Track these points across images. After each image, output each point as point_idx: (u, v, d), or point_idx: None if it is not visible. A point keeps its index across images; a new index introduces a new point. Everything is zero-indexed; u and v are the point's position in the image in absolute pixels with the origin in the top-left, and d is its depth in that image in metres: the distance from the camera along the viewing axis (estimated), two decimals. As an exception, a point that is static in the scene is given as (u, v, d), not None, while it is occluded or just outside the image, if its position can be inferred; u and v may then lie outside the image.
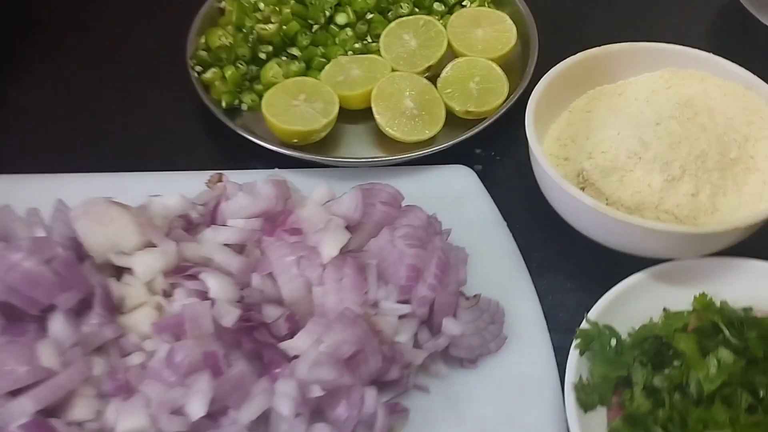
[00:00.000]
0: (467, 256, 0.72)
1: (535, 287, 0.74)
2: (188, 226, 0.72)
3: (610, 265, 0.72)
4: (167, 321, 0.65)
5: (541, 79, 0.79)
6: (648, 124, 0.75)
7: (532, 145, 0.73)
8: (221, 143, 0.88)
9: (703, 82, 0.81)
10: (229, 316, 0.64)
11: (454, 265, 0.69)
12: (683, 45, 0.82)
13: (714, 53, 0.81)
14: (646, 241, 0.68)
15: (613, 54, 0.82)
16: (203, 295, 0.66)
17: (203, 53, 0.89)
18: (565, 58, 0.81)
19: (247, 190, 0.73)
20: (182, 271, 0.67)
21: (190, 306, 0.63)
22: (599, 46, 0.82)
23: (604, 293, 0.68)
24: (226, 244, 0.70)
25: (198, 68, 0.89)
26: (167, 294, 0.67)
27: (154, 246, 0.68)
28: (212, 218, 0.73)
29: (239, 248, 0.70)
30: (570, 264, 0.76)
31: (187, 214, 0.72)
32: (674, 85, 0.81)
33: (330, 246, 0.67)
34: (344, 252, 0.68)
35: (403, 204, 0.73)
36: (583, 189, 0.73)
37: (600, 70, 0.83)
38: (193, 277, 0.67)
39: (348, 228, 0.70)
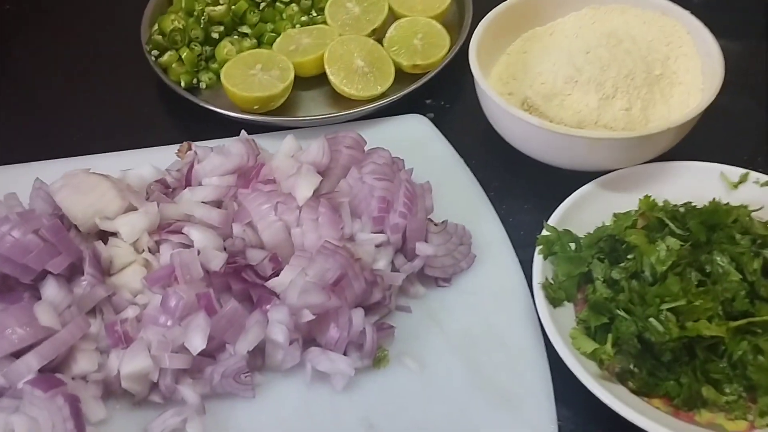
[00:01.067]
0: (431, 187, 0.77)
1: (496, 212, 0.80)
2: (165, 190, 0.76)
3: (561, 183, 0.78)
4: (158, 273, 0.68)
5: (478, 25, 0.85)
6: (579, 53, 0.82)
7: (478, 79, 0.79)
8: (186, 120, 0.92)
9: (624, 14, 0.88)
10: (216, 260, 0.68)
11: (420, 195, 0.74)
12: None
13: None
14: (591, 152, 0.75)
15: (541, -2, 0.89)
16: (188, 247, 0.69)
17: (158, 38, 0.93)
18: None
19: (218, 151, 0.77)
20: (165, 228, 0.71)
21: (178, 254, 0.67)
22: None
23: (556, 204, 0.74)
24: (204, 202, 0.74)
25: (155, 52, 0.93)
26: (153, 251, 0.71)
27: (136, 209, 0.72)
28: (187, 181, 0.77)
29: (217, 204, 0.75)
30: (524, 188, 0.83)
31: (163, 178, 0.76)
32: (598, 20, 0.89)
33: (303, 189, 0.71)
34: (317, 195, 0.73)
35: (366, 149, 0.79)
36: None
37: (530, 14, 0.90)
38: (177, 231, 0.70)
39: (318, 173, 0.75)
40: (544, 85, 0.82)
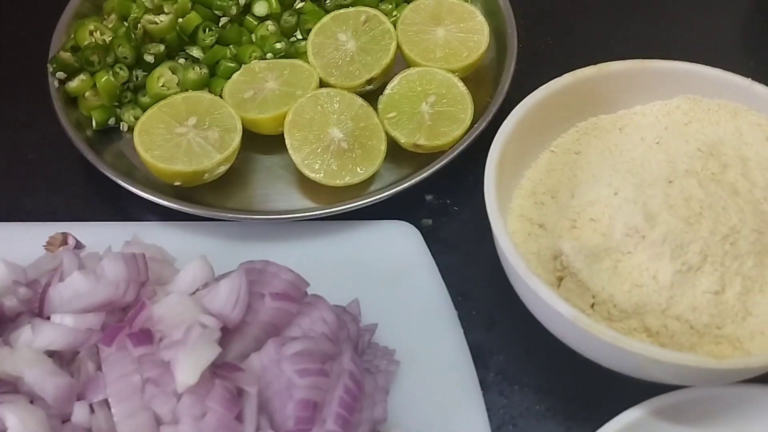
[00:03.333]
0: (393, 373, 0.51)
1: (487, 409, 0.53)
2: (2, 317, 0.51)
3: (598, 383, 0.51)
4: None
5: (511, 114, 0.57)
6: (657, 182, 0.54)
7: (494, 222, 0.51)
8: (90, 178, 0.66)
9: (736, 117, 0.59)
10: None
11: (370, 394, 0.48)
12: (709, 65, 0.60)
13: (752, 78, 0.59)
14: (647, 368, 0.48)
15: (614, 75, 0.60)
16: (1, 432, 0.45)
17: (66, 55, 0.66)
18: (549, 72, 0.59)
19: (90, 267, 0.52)
20: (-23, 392, 0.47)
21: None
22: (595, 61, 0.60)
23: (588, 428, 0.48)
24: (48, 351, 0.49)
25: (60, 74, 0.67)
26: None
27: (-61, 356, 0.47)
28: (41, 305, 0.52)
29: (70, 356, 0.50)
30: (542, 376, 0.55)
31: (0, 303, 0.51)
32: (695, 119, 0.60)
33: (187, 369, 0.46)
34: (213, 367, 0.47)
35: (309, 290, 0.53)
36: (561, 280, 0.52)
37: (595, 95, 0.61)
38: (-10, 404, 0.46)
39: (224, 329, 0.50)
40: (593, 224, 0.53)
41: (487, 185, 0.53)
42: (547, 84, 0.58)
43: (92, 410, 0.48)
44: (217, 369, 0.48)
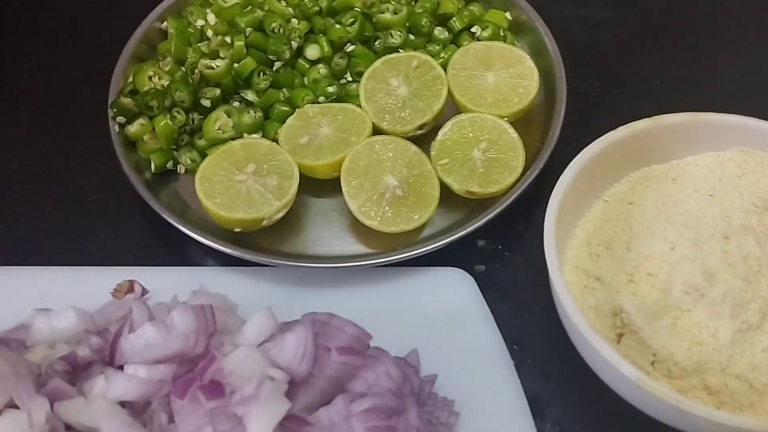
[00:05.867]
0: (454, 425, 0.52)
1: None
2: (73, 369, 0.53)
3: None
4: None
5: (568, 168, 0.58)
6: (714, 238, 0.55)
7: (554, 279, 0.52)
8: (149, 221, 0.67)
9: (790, 170, 0.60)
10: None
11: (436, 447, 0.50)
12: (754, 107, 0.61)
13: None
14: (709, 429, 0.48)
15: (668, 127, 0.61)
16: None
17: (126, 100, 0.68)
18: (596, 115, 0.61)
19: (159, 317, 0.54)
20: (54, 444, 0.48)
21: None
22: (642, 104, 0.61)
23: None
24: (122, 402, 0.51)
25: (120, 119, 0.69)
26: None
27: (16, 407, 0.49)
28: (111, 355, 0.53)
29: (141, 406, 0.51)
30: (598, 428, 0.56)
31: (73, 353, 0.52)
32: (748, 172, 0.60)
33: (260, 424, 0.47)
34: (282, 420, 0.49)
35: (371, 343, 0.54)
36: (620, 336, 0.53)
37: (649, 146, 0.61)
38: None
39: (291, 381, 0.51)
40: (651, 279, 0.54)
41: (547, 241, 0.54)
42: (602, 137, 0.59)
43: (166, 461, 0.49)
44: (285, 422, 0.49)
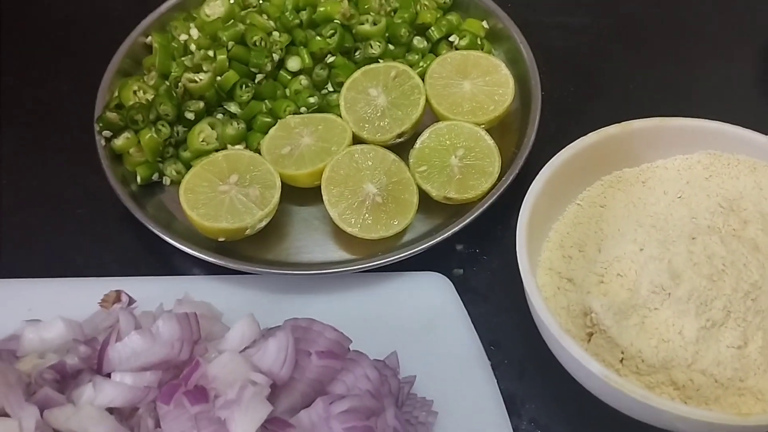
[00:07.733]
0: (432, 424, 0.54)
1: (523, 458, 0.56)
2: (62, 377, 0.54)
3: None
4: None
5: (540, 174, 0.60)
6: (681, 239, 0.56)
7: (526, 282, 0.54)
8: (135, 232, 0.69)
9: (755, 172, 0.62)
10: None
11: (413, 445, 0.51)
12: (728, 109, 0.63)
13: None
14: (675, 423, 0.50)
15: (637, 132, 0.63)
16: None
17: (112, 114, 0.70)
18: (570, 122, 0.63)
19: (145, 326, 0.55)
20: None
21: None
22: (616, 108, 0.63)
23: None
24: (110, 408, 0.52)
25: (106, 133, 0.70)
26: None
27: (7, 416, 0.51)
28: (99, 363, 0.55)
29: (129, 412, 0.53)
30: (572, 424, 0.58)
31: (61, 362, 0.54)
32: (715, 174, 0.62)
33: (242, 427, 0.49)
34: (264, 422, 0.50)
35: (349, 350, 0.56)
36: (591, 335, 0.55)
37: (619, 150, 0.63)
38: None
39: (273, 385, 0.53)
40: (621, 279, 0.56)
41: (519, 245, 0.56)
42: (572, 143, 0.61)
43: (152, 465, 0.51)
44: (268, 424, 0.51)
